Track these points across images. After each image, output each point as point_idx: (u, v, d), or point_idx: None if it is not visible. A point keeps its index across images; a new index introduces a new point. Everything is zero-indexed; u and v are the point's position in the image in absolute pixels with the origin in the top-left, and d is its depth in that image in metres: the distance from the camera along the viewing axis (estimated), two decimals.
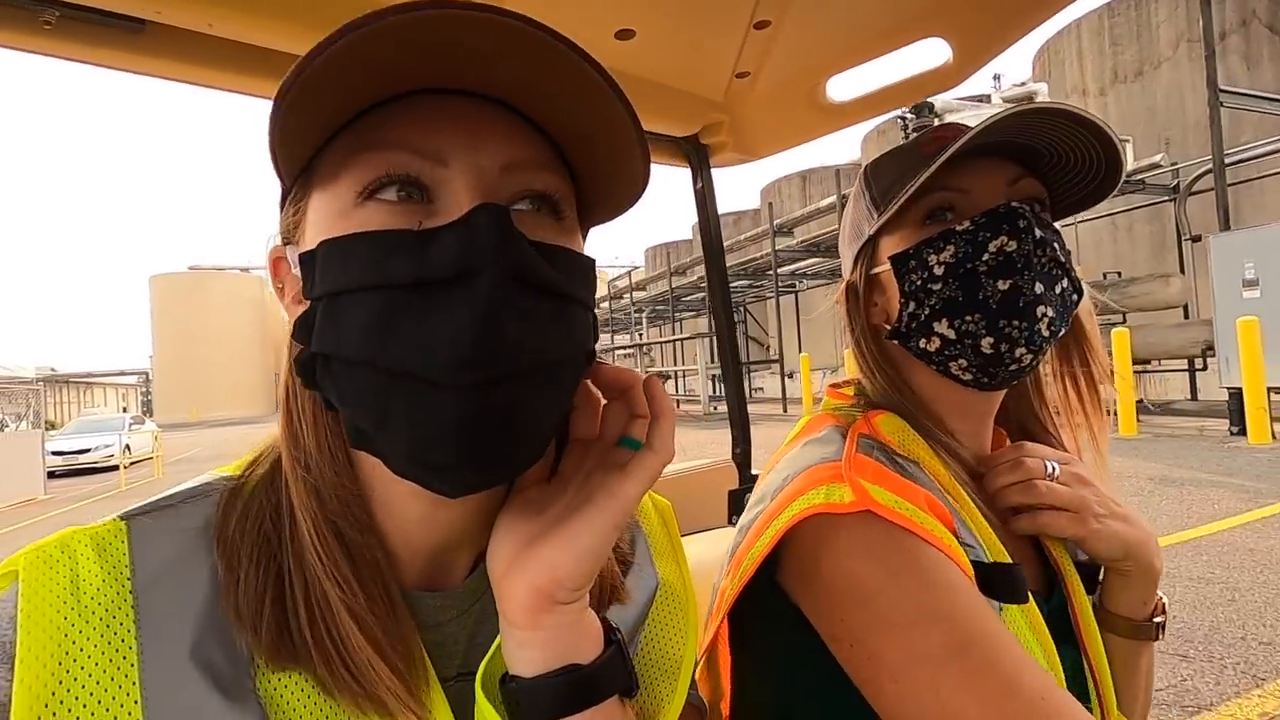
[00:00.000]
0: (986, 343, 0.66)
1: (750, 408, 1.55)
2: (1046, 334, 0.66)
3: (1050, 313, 0.65)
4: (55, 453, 15.79)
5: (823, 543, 0.59)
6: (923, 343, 0.70)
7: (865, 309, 0.76)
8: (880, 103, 1.19)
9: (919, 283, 0.69)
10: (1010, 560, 0.63)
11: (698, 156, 1.34)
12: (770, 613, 0.64)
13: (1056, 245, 0.67)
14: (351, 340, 0.38)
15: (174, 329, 55.30)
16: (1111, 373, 0.79)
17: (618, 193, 0.46)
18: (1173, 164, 12.18)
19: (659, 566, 0.58)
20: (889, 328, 0.74)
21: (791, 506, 0.60)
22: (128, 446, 16.83)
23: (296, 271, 0.43)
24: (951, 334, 0.68)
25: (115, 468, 14.97)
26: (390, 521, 0.45)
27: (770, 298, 21.26)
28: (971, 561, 0.60)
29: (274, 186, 0.46)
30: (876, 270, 0.75)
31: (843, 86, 1.18)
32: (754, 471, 1.50)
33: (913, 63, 1.11)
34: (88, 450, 16.43)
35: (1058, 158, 0.69)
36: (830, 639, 0.59)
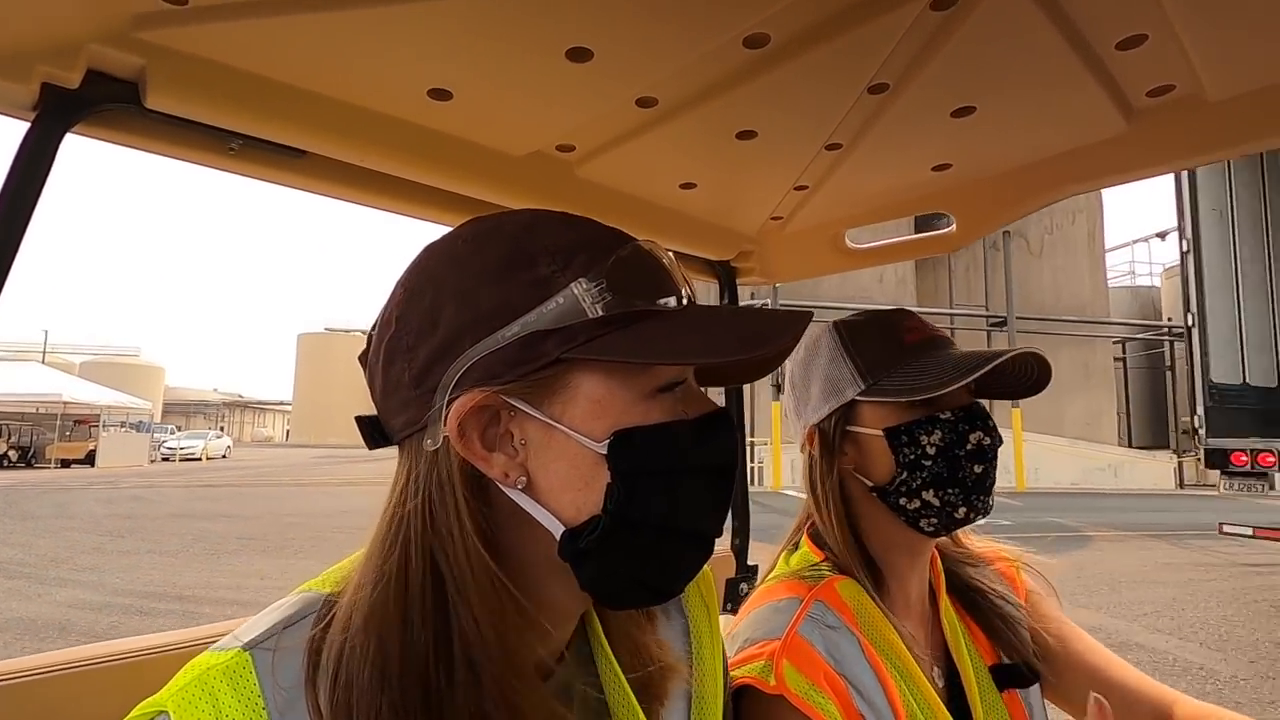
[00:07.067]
0: (961, 511, 0.82)
1: None
2: (992, 502, 0.84)
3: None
4: (165, 445, 32.80)
5: (754, 707, 0.74)
6: (903, 501, 0.83)
7: (837, 455, 0.87)
8: (890, 254, 1.39)
9: (913, 456, 0.82)
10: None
11: (726, 276, 1.52)
12: None
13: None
14: (662, 508, 0.49)
15: (310, 375, 70.13)
16: None
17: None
18: None
19: (698, 661, 0.66)
20: (867, 482, 0.86)
21: (744, 668, 0.76)
22: (205, 448, 33.98)
23: (535, 413, 0.48)
24: (936, 502, 0.82)
25: (194, 458, 32.68)
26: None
27: None
28: None
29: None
30: (857, 430, 0.86)
31: (860, 236, 1.38)
32: (750, 562, 1.62)
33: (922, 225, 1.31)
34: (183, 447, 33.36)
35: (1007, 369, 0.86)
36: None
